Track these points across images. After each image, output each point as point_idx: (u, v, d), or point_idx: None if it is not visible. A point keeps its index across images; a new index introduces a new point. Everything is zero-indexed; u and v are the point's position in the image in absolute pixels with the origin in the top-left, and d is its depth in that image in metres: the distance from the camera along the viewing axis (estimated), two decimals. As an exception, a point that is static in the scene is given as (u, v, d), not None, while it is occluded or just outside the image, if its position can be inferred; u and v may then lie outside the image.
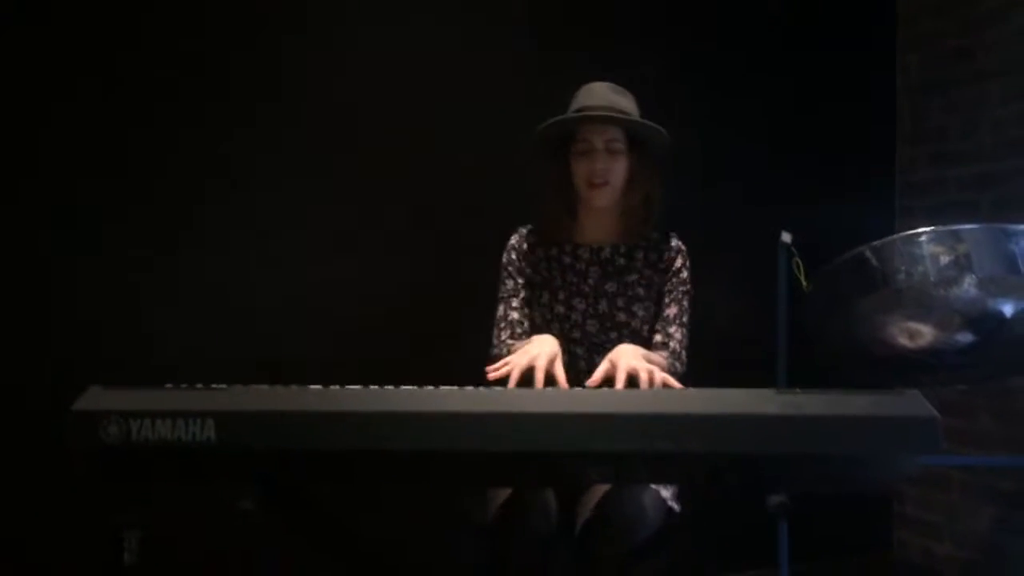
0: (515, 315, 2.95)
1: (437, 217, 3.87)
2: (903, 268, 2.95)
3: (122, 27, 3.47)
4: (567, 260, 2.95)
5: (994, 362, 3.27)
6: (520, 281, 2.98)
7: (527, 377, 2.47)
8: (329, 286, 3.72)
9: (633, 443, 1.94)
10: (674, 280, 2.94)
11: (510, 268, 3.01)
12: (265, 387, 1.96)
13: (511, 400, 2.05)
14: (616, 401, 2.09)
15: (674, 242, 2.97)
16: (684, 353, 2.90)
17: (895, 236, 3.04)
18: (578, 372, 2.81)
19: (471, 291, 3.21)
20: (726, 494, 2.18)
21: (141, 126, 3.49)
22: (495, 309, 3.00)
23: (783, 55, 4.53)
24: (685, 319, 2.93)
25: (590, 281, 2.92)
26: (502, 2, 4.05)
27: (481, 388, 2.13)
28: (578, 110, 2.88)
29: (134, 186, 3.48)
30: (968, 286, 2.93)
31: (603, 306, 2.90)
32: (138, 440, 1.86)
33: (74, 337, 3.39)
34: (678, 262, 2.95)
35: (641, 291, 2.91)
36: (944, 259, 2.90)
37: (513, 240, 3.04)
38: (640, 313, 2.90)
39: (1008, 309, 3.02)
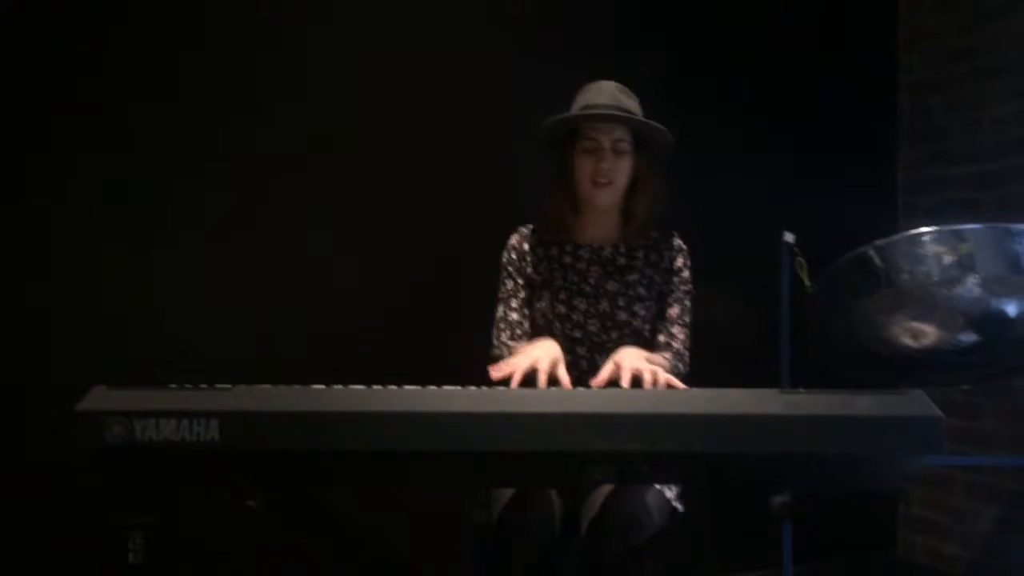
0: (515, 315, 2.94)
1: (437, 217, 3.86)
2: (906, 268, 2.95)
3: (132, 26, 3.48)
4: (568, 260, 2.94)
5: (998, 362, 3.27)
6: (520, 281, 2.97)
7: (529, 379, 2.47)
8: (329, 286, 3.73)
9: (636, 443, 1.93)
10: (675, 280, 2.93)
11: (510, 268, 3.00)
12: (269, 387, 1.96)
13: (515, 400, 2.05)
14: (619, 401, 2.09)
15: (675, 241, 2.96)
16: (687, 353, 2.90)
17: (898, 236, 3.04)
18: (580, 372, 2.80)
19: (471, 291, 3.21)
20: (730, 494, 2.18)
21: (141, 126, 3.49)
22: (495, 309, 3.00)
23: (785, 54, 4.54)
24: (687, 319, 2.92)
25: (591, 281, 2.91)
26: (504, 2, 4.05)
27: (484, 388, 2.13)
28: (584, 107, 2.86)
29: (134, 186, 3.48)
30: (971, 286, 2.93)
31: (604, 306, 2.89)
32: (142, 440, 1.85)
33: (75, 337, 3.38)
34: (679, 261, 2.94)
35: (642, 291, 2.90)
36: (947, 259, 2.89)
37: (513, 240, 3.03)
38: (641, 313, 2.89)
39: (1012, 309, 3.02)
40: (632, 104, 2.89)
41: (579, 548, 2.55)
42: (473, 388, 2.05)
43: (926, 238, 2.94)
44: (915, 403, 1.98)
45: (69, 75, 3.39)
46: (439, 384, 1.99)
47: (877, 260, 2.99)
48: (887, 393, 2.02)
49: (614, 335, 2.87)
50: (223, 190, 3.60)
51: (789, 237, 3.41)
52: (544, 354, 2.52)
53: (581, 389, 2.47)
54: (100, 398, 1.90)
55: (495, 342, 2.94)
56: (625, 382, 2.44)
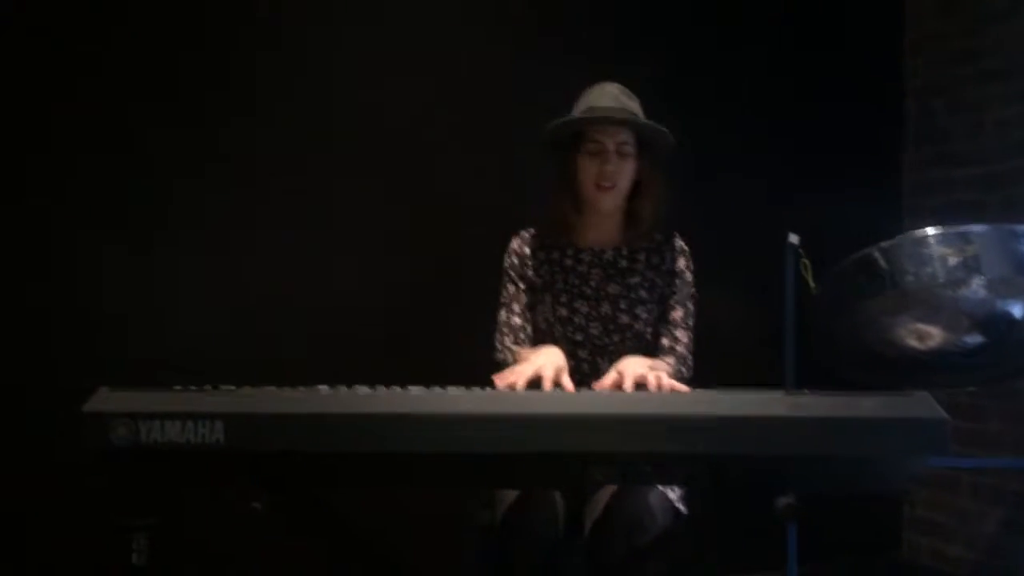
0: (517, 320, 2.93)
1: (437, 217, 3.86)
2: (911, 269, 2.94)
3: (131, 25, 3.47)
4: (569, 263, 2.93)
5: (1003, 364, 3.27)
6: (521, 285, 2.96)
7: (533, 387, 2.46)
8: (329, 286, 3.72)
9: (641, 445, 1.94)
10: (677, 282, 2.92)
11: (511, 272, 2.99)
12: (273, 389, 1.96)
13: (519, 402, 2.06)
14: (624, 403, 2.10)
15: (677, 243, 2.95)
16: (690, 357, 2.89)
17: (903, 237, 3.04)
18: (582, 375, 2.79)
19: (471, 292, 3.20)
20: (734, 496, 2.18)
21: (141, 126, 3.49)
22: (496, 313, 2.99)
23: (791, 56, 4.54)
24: (690, 322, 2.92)
25: (592, 283, 2.90)
26: (504, 2, 4.05)
27: (488, 389, 2.13)
28: (588, 110, 2.84)
29: (134, 186, 3.47)
30: (977, 287, 2.93)
31: (605, 308, 2.88)
32: (147, 442, 1.86)
33: (75, 337, 3.38)
34: (681, 263, 2.93)
35: (644, 293, 2.90)
36: (953, 260, 2.89)
37: (514, 244, 3.02)
38: (643, 315, 2.88)
39: (1017, 310, 3.03)
40: (634, 106, 2.88)
41: (583, 549, 2.54)
42: (477, 390, 2.06)
43: (931, 239, 2.94)
44: (920, 405, 1.99)
45: (69, 75, 3.39)
46: (439, 384, 1.99)
47: (882, 261, 2.99)
48: (892, 395, 2.03)
49: (615, 338, 2.86)
50: (223, 190, 3.60)
51: (794, 239, 3.41)
52: (548, 361, 2.50)
53: (585, 391, 2.47)
54: (105, 400, 1.90)
55: (497, 346, 2.93)
56: (628, 388, 2.43)
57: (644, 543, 2.44)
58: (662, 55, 4.20)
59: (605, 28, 4.17)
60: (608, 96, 2.86)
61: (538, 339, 2.88)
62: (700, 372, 2.88)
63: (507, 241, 3.03)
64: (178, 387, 1.95)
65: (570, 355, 2.77)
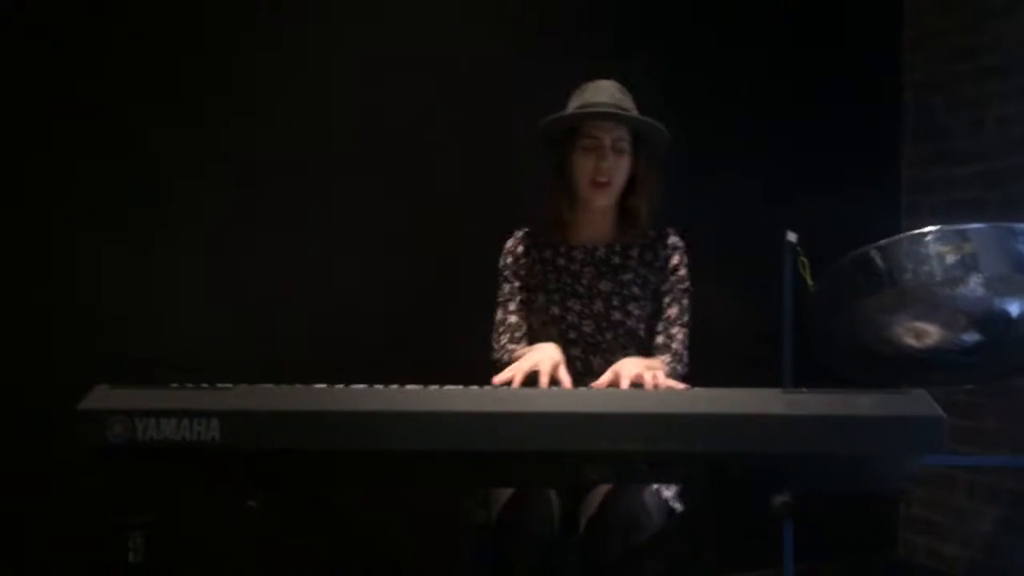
0: (514, 319, 2.94)
1: (437, 217, 3.86)
2: (909, 267, 2.94)
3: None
4: (561, 262, 2.93)
5: (1000, 362, 3.27)
6: (517, 284, 2.97)
7: (530, 381, 2.47)
8: (329, 286, 3.73)
9: (638, 443, 1.93)
10: (672, 279, 2.92)
11: (506, 272, 3.00)
12: (270, 387, 1.96)
13: (516, 400, 2.05)
14: (621, 401, 2.09)
15: (671, 239, 2.95)
16: (686, 353, 2.89)
17: (901, 235, 3.03)
18: (575, 373, 2.77)
19: (471, 291, 3.20)
20: (731, 494, 2.18)
21: (141, 126, 3.49)
22: (494, 313, 3.00)
23: (789, 53, 4.54)
24: (686, 318, 2.91)
25: (584, 281, 2.90)
26: (504, 2, 4.04)
27: (486, 387, 2.13)
28: (583, 106, 2.84)
29: (134, 186, 3.48)
30: (974, 285, 2.92)
31: (598, 306, 2.88)
32: (143, 440, 1.85)
33: (75, 337, 3.38)
34: (675, 259, 2.93)
35: (637, 290, 2.89)
36: (950, 258, 2.89)
37: (509, 244, 3.03)
38: (636, 312, 2.88)
39: (1015, 309, 3.02)
40: (629, 102, 2.88)
41: (578, 547, 2.54)
42: (474, 388, 2.05)
43: (929, 238, 2.94)
44: (917, 403, 1.99)
45: (69, 75, 3.39)
46: (439, 384, 1.99)
47: (879, 260, 2.99)
48: (889, 393, 2.02)
49: (608, 335, 2.86)
50: (223, 190, 3.60)
51: (792, 236, 3.41)
52: (545, 356, 2.53)
53: (582, 389, 2.47)
54: (102, 397, 1.90)
55: (495, 346, 2.94)
56: (624, 387, 2.43)
57: (640, 542, 2.45)
58: (661, 55, 4.20)
59: (605, 28, 4.17)
60: (604, 92, 2.86)
61: (533, 338, 2.88)
62: (697, 370, 2.88)
63: (506, 241, 3.03)
64: (174, 384, 1.95)
65: (564, 353, 2.77)
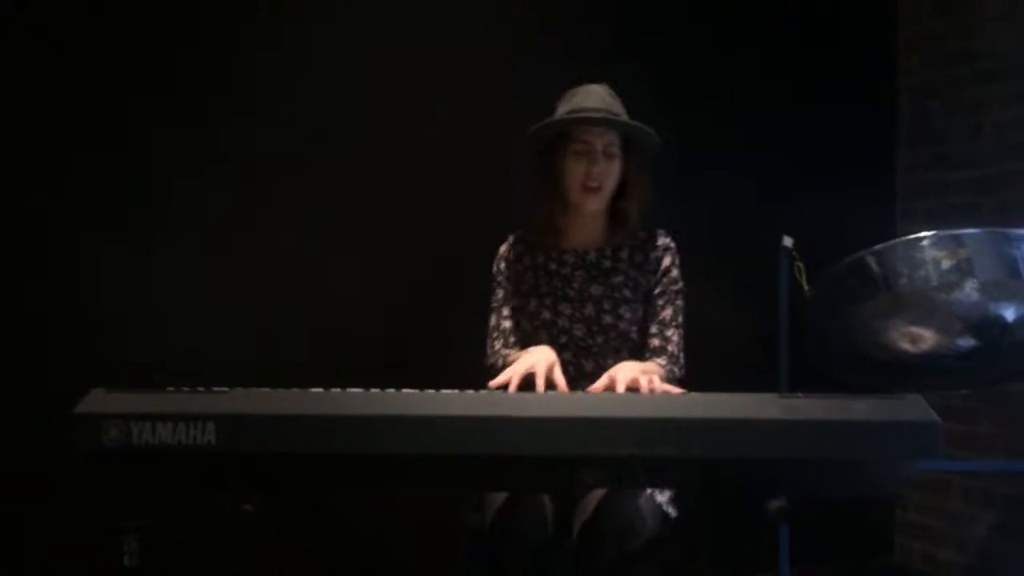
0: (507, 324, 2.95)
1: (437, 217, 3.86)
2: (905, 272, 2.95)
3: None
4: (553, 266, 2.94)
5: (996, 367, 3.26)
6: (510, 290, 2.98)
7: (526, 383, 2.47)
8: (329, 286, 3.72)
9: (634, 447, 1.94)
10: (665, 280, 2.92)
11: (499, 278, 3.01)
12: (266, 390, 1.97)
13: (512, 404, 2.06)
14: (617, 405, 2.10)
15: (661, 240, 2.95)
16: (681, 356, 2.88)
17: (896, 241, 3.03)
18: (568, 378, 2.76)
19: (471, 292, 3.20)
20: (727, 498, 2.18)
21: (141, 126, 3.49)
22: (487, 318, 3.01)
23: (784, 56, 4.52)
24: (680, 319, 2.91)
25: (575, 285, 2.90)
26: (504, 2, 4.04)
27: (482, 391, 2.14)
28: (574, 111, 2.84)
29: (134, 186, 3.48)
30: (970, 290, 2.92)
31: (589, 310, 2.88)
32: (139, 444, 1.86)
33: (74, 337, 3.39)
34: (666, 261, 2.92)
35: (628, 292, 2.89)
36: (946, 263, 2.89)
37: (502, 249, 3.04)
38: (627, 315, 2.87)
39: (1010, 314, 3.02)
40: (619, 107, 2.88)
41: (571, 551, 2.55)
42: (470, 392, 2.06)
43: (924, 243, 2.94)
44: (913, 407, 2.00)
45: (69, 75, 3.39)
46: (439, 384, 2.00)
47: (875, 265, 2.99)
48: (885, 397, 2.03)
49: (600, 339, 2.86)
50: (223, 190, 3.60)
51: (788, 241, 3.40)
52: (541, 358, 2.54)
53: (578, 393, 2.47)
54: (97, 401, 1.91)
55: (489, 351, 2.95)
56: (620, 391, 2.44)
57: (634, 547, 2.45)
58: (661, 56, 4.19)
59: (605, 28, 4.16)
60: (594, 97, 2.86)
61: (525, 343, 2.88)
62: (693, 375, 2.87)
63: (504, 242, 3.04)
64: (170, 388, 1.96)
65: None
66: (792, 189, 4.33)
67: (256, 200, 3.65)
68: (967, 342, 3.13)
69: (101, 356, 3.35)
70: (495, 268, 3.02)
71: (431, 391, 1.99)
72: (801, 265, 3.29)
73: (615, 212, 2.92)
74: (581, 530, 2.53)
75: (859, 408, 1.98)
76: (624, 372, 2.50)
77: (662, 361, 2.82)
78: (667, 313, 2.88)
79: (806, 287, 3.25)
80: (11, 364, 3.30)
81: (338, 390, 1.98)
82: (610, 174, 2.83)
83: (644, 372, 2.52)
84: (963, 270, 2.89)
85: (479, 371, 2.89)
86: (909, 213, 4.61)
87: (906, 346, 3.22)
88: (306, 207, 3.71)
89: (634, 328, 2.88)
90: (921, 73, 4.61)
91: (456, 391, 2.03)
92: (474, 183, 3.87)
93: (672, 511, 2.68)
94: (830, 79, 4.57)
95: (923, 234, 2.97)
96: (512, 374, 2.47)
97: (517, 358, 2.61)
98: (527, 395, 2.31)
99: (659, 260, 2.91)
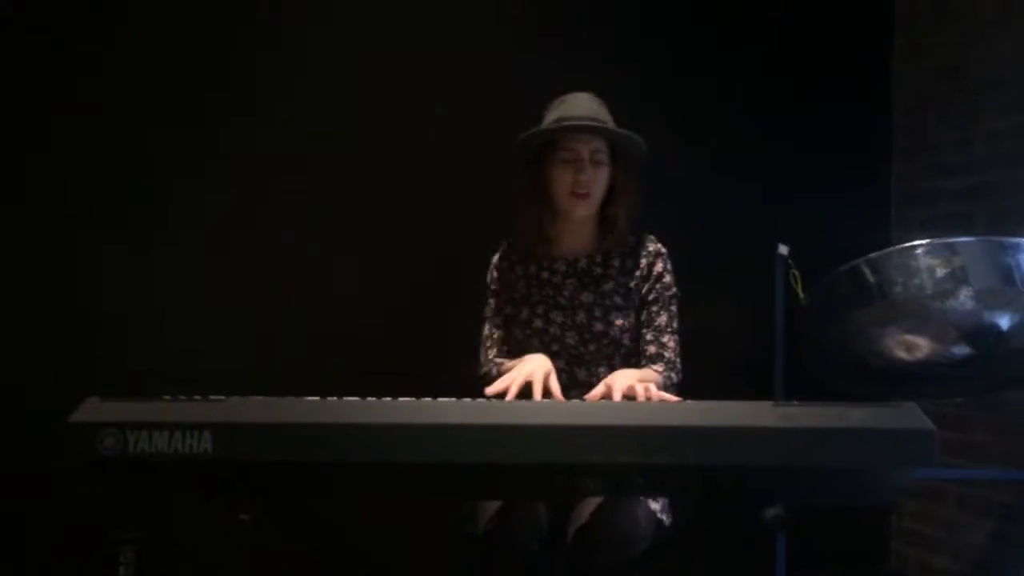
0: (499, 333, 2.95)
1: (437, 217, 3.86)
2: (900, 280, 2.94)
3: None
4: (544, 275, 2.93)
5: (991, 375, 3.25)
6: (502, 299, 2.98)
7: (524, 392, 2.48)
8: (329, 286, 3.73)
9: (631, 455, 1.94)
10: (658, 287, 2.90)
11: (493, 287, 3.01)
12: (262, 399, 1.97)
13: (509, 412, 2.06)
14: (613, 413, 2.10)
15: (651, 246, 2.93)
16: (679, 361, 2.87)
17: (891, 249, 3.04)
18: (560, 386, 2.78)
19: (471, 291, 3.19)
20: (723, 506, 2.18)
21: (141, 126, 3.50)
22: (480, 327, 3.01)
23: (779, 66, 4.50)
24: (675, 325, 2.90)
25: (566, 293, 2.89)
26: (504, 2, 4.04)
27: (479, 399, 2.14)
28: (560, 119, 2.84)
29: (134, 186, 3.49)
30: (964, 298, 2.92)
31: (580, 317, 2.87)
32: (135, 452, 1.86)
33: (74, 337, 3.40)
34: (658, 266, 2.91)
35: (619, 299, 2.88)
36: (940, 271, 2.89)
37: (494, 259, 3.04)
38: (618, 322, 2.86)
39: (1004, 322, 3.01)
40: (605, 114, 2.87)
41: (564, 555, 2.55)
42: (467, 400, 2.06)
43: (919, 251, 2.93)
44: (908, 415, 2.00)
45: (69, 75, 3.41)
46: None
47: (870, 273, 2.98)
48: (880, 406, 2.04)
49: (592, 347, 2.85)
50: (223, 190, 3.61)
51: (783, 249, 3.39)
52: (537, 366, 2.54)
53: (575, 401, 2.48)
54: (93, 409, 1.91)
55: (482, 359, 2.95)
56: (617, 399, 2.44)
57: (630, 556, 2.46)
58: (661, 57, 4.18)
59: (605, 28, 4.16)
60: (580, 105, 2.86)
61: (517, 351, 2.88)
62: (689, 382, 2.86)
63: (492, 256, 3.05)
64: (166, 397, 1.96)
65: (550, 365, 2.78)
66: (787, 197, 4.30)
67: (256, 200, 3.65)
68: (962, 350, 3.13)
69: (101, 356, 3.37)
70: (488, 278, 3.02)
71: (428, 399, 2.00)
72: (796, 273, 3.28)
73: (604, 218, 2.92)
74: (575, 536, 2.53)
75: (855, 416, 1.98)
76: (621, 380, 2.50)
77: (659, 368, 2.82)
78: (662, 319, 2.88)
79: (801, 295, 3.24)
80: (11, 364, 3.31)
81: (334, 398, 1.99)
82: (597, 181, 2.83)
83: (641, 380, 2.52)
84: (958, 278, 2.89)
85: (475, 373, 2.91)
86: (904, 221, 4.59)
87: (901, 354, 3.22)
88: (306, 207, 3.71)
89: (626, 335, 2.87)
90: (915, 83, 4.60)
91: (453, 399, 2.03)
92: (474, 183, 3.86)
93: (666, 518, 2.68)
94: (826, 87, 4.54)
95: (918, 242, 2.97)
96: (510, 382, 2.47)
97: (512, 366, 2.62)
98: (524, 403, 2.31)
99: (651, 266, 2.90)
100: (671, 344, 2.86)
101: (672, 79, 4.13)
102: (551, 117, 2.87)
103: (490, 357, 2.92)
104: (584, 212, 2.85)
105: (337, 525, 2.17)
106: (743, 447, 1.95)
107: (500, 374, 2.63)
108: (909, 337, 3.15)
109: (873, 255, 3.01)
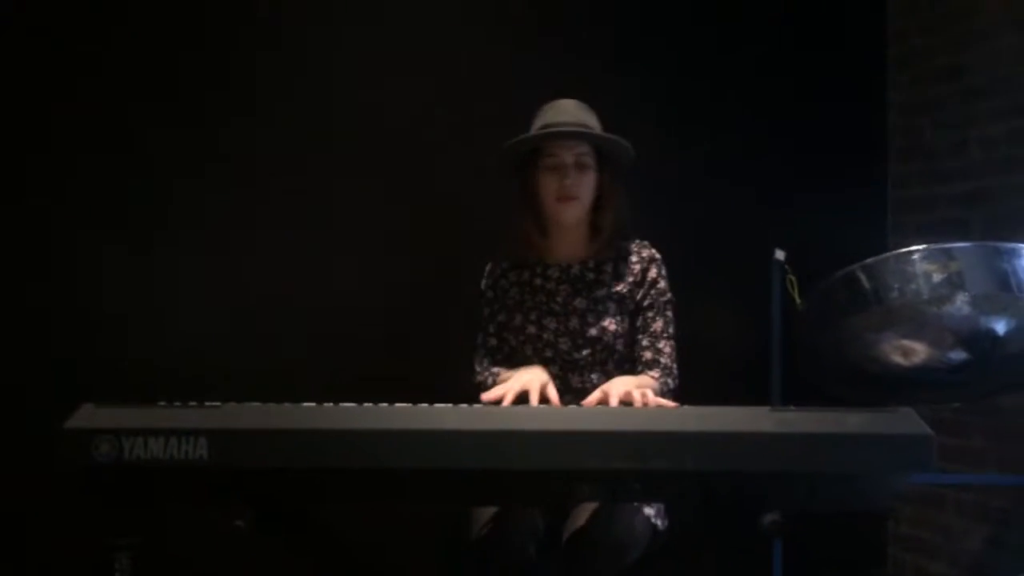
0: (493, 341, 2.96)
1: (437, 217, 3.85)
2: (896, 286, 2.94)
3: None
4: (538, 281, 2.93)
5: (987, 380, 3.25)
6: (496, 307, 2.98)
7: (520, 400, 2.48)
8: (329, 286, 3.73)
9: (628, 461, 1.95)
10: (652, 292, 2.91)
11: (488, 295, 3.01)
12: (258, 405, 1.97)
13: (506, 418, 2.07)
14: (610, 419, 2.10)
15: (645, 252, 2.95)
16: (675, 367, 2.87)
17: (888, 254, 3.04)
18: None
19: (471, 291, 3.19)
20: (720, 512, 2.19)
21: (141, 126, 3.50)
22: (475, 336, 3.01)
23: (775, 71, 4.48)
24: (671, 330, 2.91)
25: (559, 299, 2.90)
26: (504, 2, 4.04)
27: (476, 405, 2.14)
28: (545, 126, 2.86)
29: (134, 186, 3.49)
30: (961, 304, 2.91)
31: (574, 323, 2.87)
32: (130, 459, 1.86)
33: (74, 337, 3.40)
34: (652, 272, 2.92)
35: (612, 305, 2.88)
36: (937, 277, 2.89)
37: (488, 267, 3.05)
38: (611, 328, 2.86)
39: (1000, 327, 3.01)
40: (591, 119, 2.88)
41: (558, 560, 2.55)
42: (464, 406, 2.06)
43: (915, 256, 2.93)
44: (905, 421, 2.00)
45: (69, 75, 3.41)
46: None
47: (866, 279, 2.98)
48: (877, 411, 2.04)
49: (585, 352, 2.85)
50: (223, 190, 3.61)
51: (780, 255, 3.38)
52: (534, 376, 2.56)
53: (572, 407, 2.48)
54: (88, 416, 1.91)
55: (477, 368, 2.95)
56: (614, 405, 2.44)
57: (625, 561, 2.46)
58: (660, 58, 4.17)
59: (605, 28, 4.15)
60: (564, 112, 2.88)
61: (511, 358, 2.89)
62: (686, 388, 2.86)
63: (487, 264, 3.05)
64: (162, 403, 1.96)
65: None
66: (783, 201, 4.30)
67: (256, 200, 3.65)
68: (958, 355, 3.13)
69: (101, 356, 3.37)
70: (482, 285, 3.03)
71: (424, 405, 2.00)
72: (793, 278, 3.28)
73: (594, 224, 2.93)
74: (570, 541, 2.53)
75: (852, 421, 1.99)
76: (617, 386, 2.51)
77: (655, 374, 2.82)
78: (657, 325, 2.88)
79: (798, 300, 3.24)
80: (11, 364, 3.31)
81: (331, 404, 1.99)
82: (583, 185, 2.83)
83: (638, 386, 2.53)
84: (954, 283, 2.89)
85: (472, 375, 2.91)
86: (900, 227, 4.58)
87: (898, 359, 3.21)
88: (306, 207, 3.71)
89: (620, 340, 2.87)
90: (910, 89, 4.58)
91: (449, 405, 2.03)
92: (474, 183, 3.85)
93: (661, 523, 2.68)
94: (821, 95, 4.53)
95: (914, 248, 2.97)
96: (506, 390, 2.48)
97: (509, 377, 2.63)
98: (521, 409, 2.31)
99: (645, 271, 2.91)
100: (667, 350, 2.86)
101: (670, 80, 4.11)
102: (537, 124, 2.89)
103: (486, 365, 2.92)
104: (572, 216, 2.86)
105: (333, 531, 2.17)
106: (740, 453, 1.95)
107: (496, 383, 2.65)
108: (906, 342, 3.15)
109: (869, 260, 3.01)
